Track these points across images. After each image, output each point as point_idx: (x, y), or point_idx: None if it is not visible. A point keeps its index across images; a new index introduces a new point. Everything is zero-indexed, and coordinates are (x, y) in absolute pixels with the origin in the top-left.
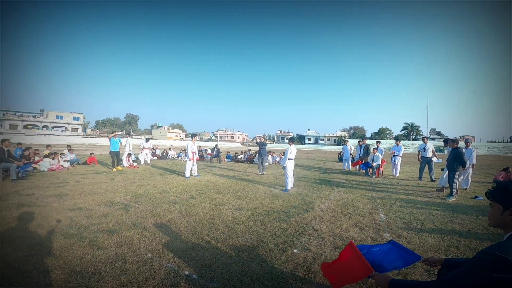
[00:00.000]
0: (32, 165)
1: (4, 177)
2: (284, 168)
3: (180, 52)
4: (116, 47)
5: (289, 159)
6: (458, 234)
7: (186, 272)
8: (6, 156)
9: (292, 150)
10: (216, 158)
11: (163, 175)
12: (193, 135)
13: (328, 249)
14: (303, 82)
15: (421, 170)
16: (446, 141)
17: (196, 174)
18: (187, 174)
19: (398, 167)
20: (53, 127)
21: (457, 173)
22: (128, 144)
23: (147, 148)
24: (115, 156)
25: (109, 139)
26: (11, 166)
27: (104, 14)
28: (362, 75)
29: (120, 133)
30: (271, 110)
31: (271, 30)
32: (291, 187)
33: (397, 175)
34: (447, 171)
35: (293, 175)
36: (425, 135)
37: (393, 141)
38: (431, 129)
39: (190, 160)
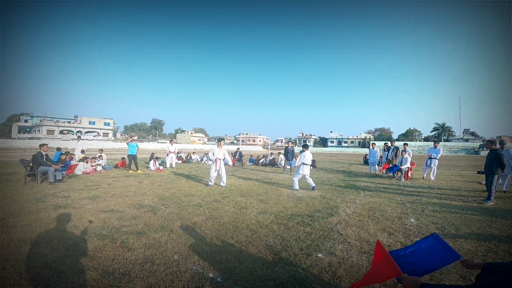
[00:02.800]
0: (74, 169)
1: (42, 179)
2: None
3: (201, 54)
4: (129, 52)
5: (303, 163)
6: (497, 239)
7: (211, 275)
8: (44, 160)
9: (306, 155)
10: (239, 161)
11: (187, 179)
12: (219, 140)
13: (355, 254)
14: (325, 84)
15: None
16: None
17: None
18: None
19: (435, 170)
20: (86, 132)
21: (496, 176)
22: (80, 146)
23: (172, 152)
24: (132, 159)
25: (127, 143)
26: (49, 170)
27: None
28: (386, 76)
29: (136, 137)
30: (293, 113)
31: (296, 31)
32: (297, 189)
33: (433, 178)
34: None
35: (316, 178)
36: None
37: (422, 143)
38: (464, 129)
39: (213, 164)
